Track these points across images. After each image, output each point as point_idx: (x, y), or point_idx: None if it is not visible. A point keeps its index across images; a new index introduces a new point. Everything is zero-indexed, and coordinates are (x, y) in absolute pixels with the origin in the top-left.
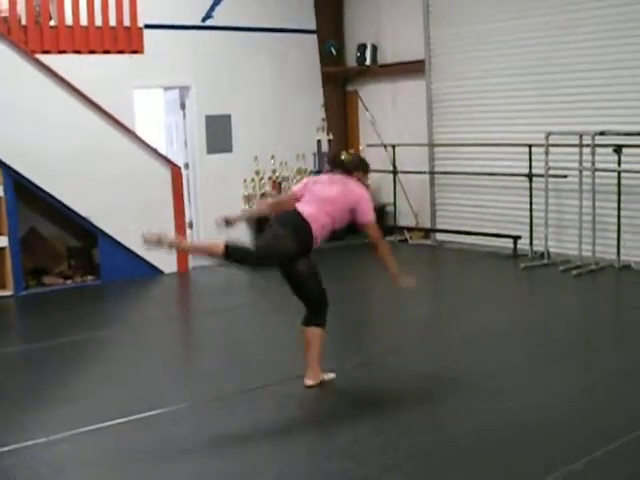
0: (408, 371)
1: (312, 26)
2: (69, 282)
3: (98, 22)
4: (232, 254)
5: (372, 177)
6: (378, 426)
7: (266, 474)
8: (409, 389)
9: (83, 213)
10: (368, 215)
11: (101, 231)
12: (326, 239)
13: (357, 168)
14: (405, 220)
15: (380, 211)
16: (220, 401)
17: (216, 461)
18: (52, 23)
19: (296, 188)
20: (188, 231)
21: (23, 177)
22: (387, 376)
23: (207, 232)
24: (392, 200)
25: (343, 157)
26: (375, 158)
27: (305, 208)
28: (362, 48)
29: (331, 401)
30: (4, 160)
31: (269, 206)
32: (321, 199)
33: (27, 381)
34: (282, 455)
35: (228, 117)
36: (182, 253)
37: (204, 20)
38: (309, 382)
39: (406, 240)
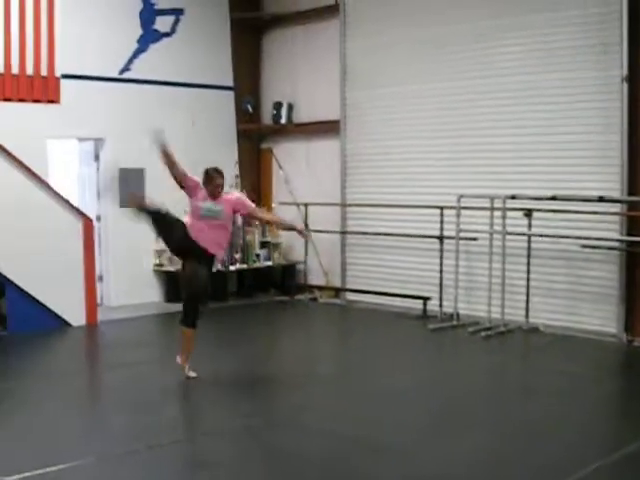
0: (315, 428)
1: (229, 83)
2: None
3: (15, 70)
4: None
5: (283, 235)
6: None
7: None
8: (315, 446)
9: None
10: None
11: (9, 281)
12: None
13: None
14: (316, 279)
15: (291, 269)
16: (124, 457)
17: None
18: None
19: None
20: (98, 284)
21: None
22: (296, 434)
23: (117, 284)
24: (303, 259)
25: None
26: (287, 216)
27: None
28: (278, 106)
29: (236, 454)
30: None
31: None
32: None
33: None
34: None
35: (142, 171)
36: None
37: (122, 72)
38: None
39: (316, 299)
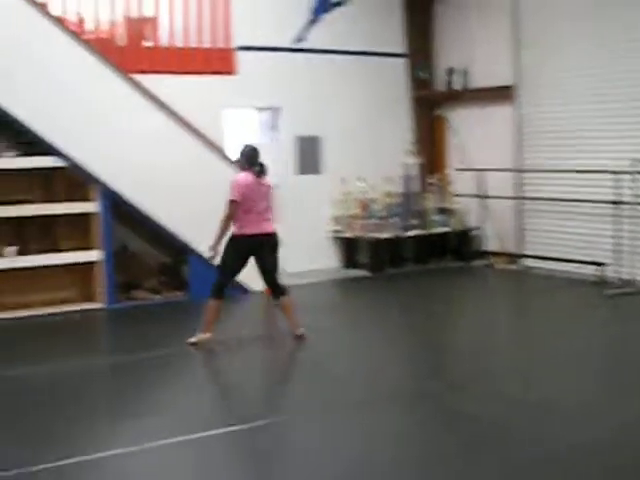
0: (496, 394)
1: (402, 50)
2: (158, 297)
3: (193, 43)
4: None
5: (459, 201)
6: (470, 443)
7: None
8: (497, 410)
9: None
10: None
11: (191, 248)
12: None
13: None
14: (491, 245)
15: (465, 235)
16: (308, 418)
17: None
18: (148, 44)
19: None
20: None
21: (117, 194)
22: (476, 398)
23: (295, 251)
24: (479, 225)
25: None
26: (463, 182)
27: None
28: (451, 72)
29: (418, 417)
30: (100, 177)
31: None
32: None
33: (115, 392)
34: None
35: (318, 139)
36: None
37: (295, 42)
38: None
39: (491, 265)
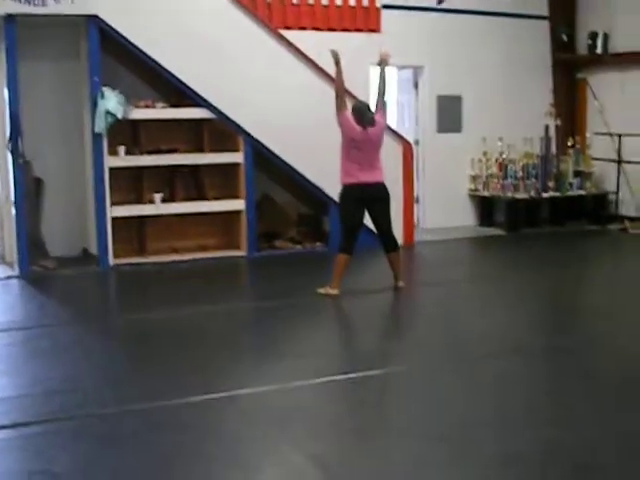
0: (626, 352)
1: (544, 12)
2: (298, 247)
3: (338, 1)
4: None
5: (597, 165)
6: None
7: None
8: (628, 368)
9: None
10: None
11: (332, 200)
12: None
13: None
14: (627, 210)
15: (601, 199)
16: (436, 368)
17: (423, 422)
18: (294, 1)
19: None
20: (414, 206)
21: (262, 145)
22: (605, 356)
23: (433, 207)
24: (615, 189)
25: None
26: (601, 146)
27: None
28: (593, 36)
29: (547, 371)
30: (245, 128)
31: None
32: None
33: (258, 335)
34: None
35: (459, 98)
36: None
37: (439, 3)
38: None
39: (626, 229)
